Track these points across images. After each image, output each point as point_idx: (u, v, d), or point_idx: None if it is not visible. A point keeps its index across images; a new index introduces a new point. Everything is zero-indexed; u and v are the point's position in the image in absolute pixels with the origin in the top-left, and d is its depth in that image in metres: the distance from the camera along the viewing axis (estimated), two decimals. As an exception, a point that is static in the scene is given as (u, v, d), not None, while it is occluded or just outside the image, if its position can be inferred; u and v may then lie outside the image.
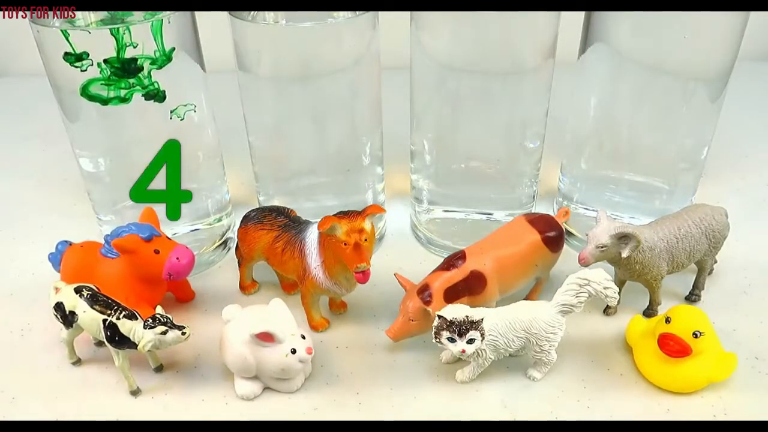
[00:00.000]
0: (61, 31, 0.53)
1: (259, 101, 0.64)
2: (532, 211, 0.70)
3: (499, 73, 0.61)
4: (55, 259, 0.61)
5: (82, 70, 0.55)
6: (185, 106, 0.61)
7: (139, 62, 0.56)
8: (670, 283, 0.64)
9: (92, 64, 0.55)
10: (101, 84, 0.56)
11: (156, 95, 0.59)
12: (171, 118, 0.60)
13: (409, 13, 0.61)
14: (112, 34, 0.54)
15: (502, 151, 0.66)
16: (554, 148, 0.73)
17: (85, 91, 0.57)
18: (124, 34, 0.54)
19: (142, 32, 0.55)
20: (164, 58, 0.57)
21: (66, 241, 0.61)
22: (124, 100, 0.57)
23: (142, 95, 0.58)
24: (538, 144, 0.67)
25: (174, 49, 0.58)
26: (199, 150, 0.65)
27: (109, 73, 0.56)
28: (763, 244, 0.71)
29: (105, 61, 0.55)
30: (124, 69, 0.56)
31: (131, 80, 0.57)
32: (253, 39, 0.60)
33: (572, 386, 0.55)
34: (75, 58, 0.55)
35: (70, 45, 0.54)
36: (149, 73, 0.57)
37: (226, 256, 0.72)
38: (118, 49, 0.55)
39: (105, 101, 0.57)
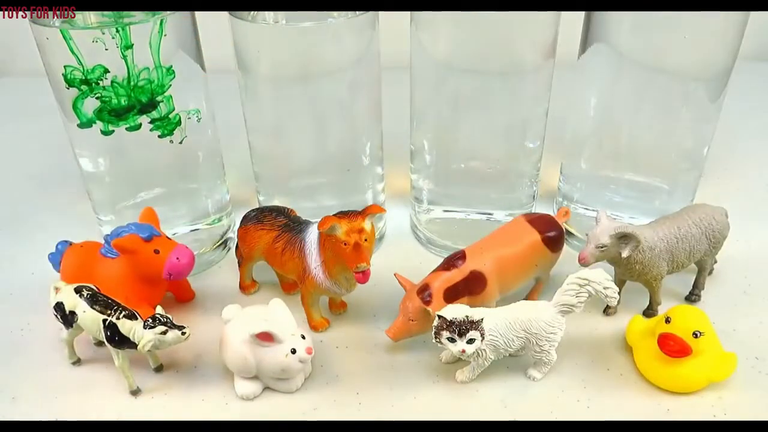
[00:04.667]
0: (61, 31, 0.53)
1: (259, 101, 0.64)
2: (532, 211, 0.70)
3: (499, 73, 0.61)
4: (55, 259, 0.61)
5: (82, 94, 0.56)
6: (188, 113, 0.61)
7: (154, 96, 0.57)
8: (670, 283, 0.64)
9: (100, 90, 0.56)
10: (103, 113, 0.57)
11: (165, 126, 0.59)
12: (171, 141, 0.61)
13: (409, 13, 0.61)
14: (122, 56, 0.55)
15: (502, 151, 0.66)
16: (554, 148, 0.73)
17: (80, 114, 0.57)
18: (126, 53, 0.55)
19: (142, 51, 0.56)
20: (163, 76, 0.57)
21: (66, 241, 0.61)
22: (133, 127, 0.58)
23: (150, 122, 0.59)
24: (538, 144, 0.67)
25: (173, 69, 0.58)
26: (199, 150, 0.65)
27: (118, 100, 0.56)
28: (763, 244, 0.71)
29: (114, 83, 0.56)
30: (139, 103, 0.57)
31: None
32: (253, 39, 0.60)
33: (572, 386, 0.55)
34: (81, 80, 0.55)
35: (71, 49, 0.54)
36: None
37: (226, 256, 0.72)
38: (128, 69, 0.55)
39: (108, 131, 0.58)
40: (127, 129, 0.59)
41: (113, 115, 0.57)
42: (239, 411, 0.53)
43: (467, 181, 0.68)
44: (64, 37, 0.53)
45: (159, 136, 0.60)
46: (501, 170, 0.67)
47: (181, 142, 0.62)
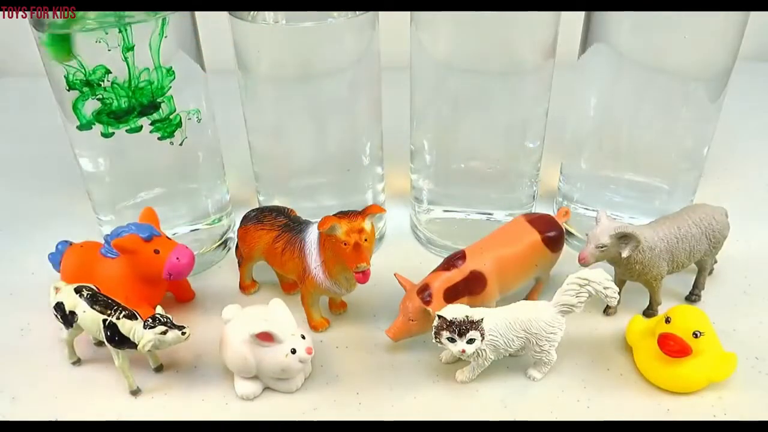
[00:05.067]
0: (48, 36, 0.54)
1: (259, 101, 0.64)
2: (532, 211, 0.70)
3: (499, 73, 0.61)
4: (55, 259, 0.61)
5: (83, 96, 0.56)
6: (188, 113, 0.61)
7: (155, 98, 0.57)
8: (670, 283, 0.64)
9: (101, 91, 0.56)
10: (103, 116, 0.57)
11: (166, 128, 0.59)
12: (171, 143, 0.61)
13: (409, 13, 0.61)
14: (123, 58, 0.55)
15: (502, 151, 0.66)
16: (554, 148, 0.73)
17: (80, 116, 0.57)
18: (128, 54, 0.55)
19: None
20: (163, 78, 0.57)
21: (66, 241, 0.61)
22: (134, 129, 0.58)
23: (150, 124, 0.59)
24: (538, 144, 0.67)
25: (173, 70, 0.58)
26: (199, 150, 0.65)
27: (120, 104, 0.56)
28: (763, 244, 0.71)
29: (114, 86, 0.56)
30: (140, 105, 0.57)
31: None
32: (253, 39, 0.60)
33: (572, 386, 0.55)
34: (82, 82, 0.55)
35: (64, 50, 0.54)
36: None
37: (226, 256, 0.72)
38: (129, 71, 0.55)
39: (108, 133, 0.58)
40: (127, 131, 0.59)
41: (112, 117, 0.57)
42: (239, 411, 0.53)
43: (467, 181, 0.68)
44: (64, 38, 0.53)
45: (159, 138, 0.60)
46: (501, 170, 0.67)
47: (181, 144, 0.62)
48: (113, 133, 0.58)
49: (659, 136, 0.63)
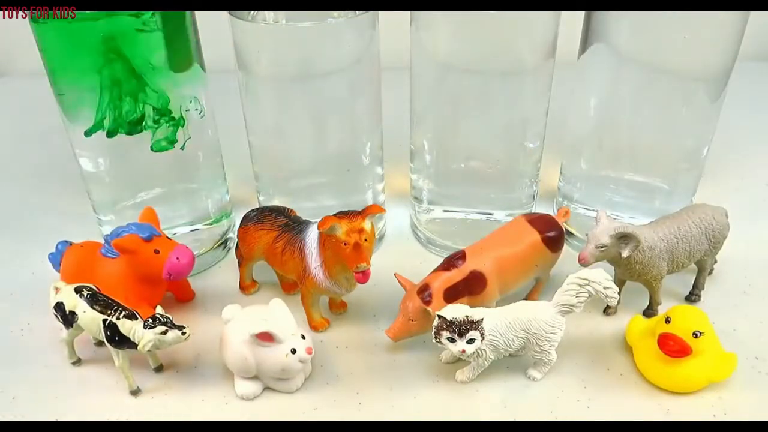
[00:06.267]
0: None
1: (259, 101, 0.64)
2: (532, 211, 0.70)
3: (499, 73, 0.61)
4: (55, 259, 0.61)
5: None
6: (187, 106, 0.61)
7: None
8: (670, 283, 0.64)
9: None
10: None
11: (171, 126, 0.60)
12: (173, 146, 0.61)
13: (409, 13, 0.61)
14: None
15: (502, 151, 0.66)
16: (554, 148, 0.73)
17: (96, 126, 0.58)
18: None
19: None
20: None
21: (66, 241, 0.61)
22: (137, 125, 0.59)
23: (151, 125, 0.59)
24: (538, 144, 0.67)
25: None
26: (199, 150, 0.65)
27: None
28: (763, 244, 0.71)
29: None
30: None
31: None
32: (253, 39, 0.60)
33: (572, 386, 0.55)
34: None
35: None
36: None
37: (226, 256, 0.72)
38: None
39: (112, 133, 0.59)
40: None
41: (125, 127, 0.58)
42: (239, 411, 0.53)
43: (467, 181, 0.68)
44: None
45: (154, 147, 0.60)
46: (501, 170, 0.67)
47: (182, 147, 0.62)
48: (117, 133, 0.58)
49: (659, 137, 0.63)
